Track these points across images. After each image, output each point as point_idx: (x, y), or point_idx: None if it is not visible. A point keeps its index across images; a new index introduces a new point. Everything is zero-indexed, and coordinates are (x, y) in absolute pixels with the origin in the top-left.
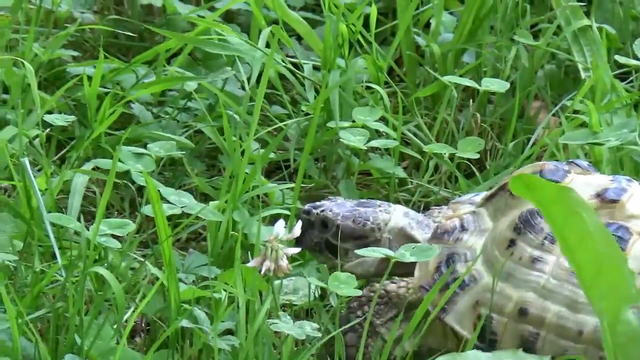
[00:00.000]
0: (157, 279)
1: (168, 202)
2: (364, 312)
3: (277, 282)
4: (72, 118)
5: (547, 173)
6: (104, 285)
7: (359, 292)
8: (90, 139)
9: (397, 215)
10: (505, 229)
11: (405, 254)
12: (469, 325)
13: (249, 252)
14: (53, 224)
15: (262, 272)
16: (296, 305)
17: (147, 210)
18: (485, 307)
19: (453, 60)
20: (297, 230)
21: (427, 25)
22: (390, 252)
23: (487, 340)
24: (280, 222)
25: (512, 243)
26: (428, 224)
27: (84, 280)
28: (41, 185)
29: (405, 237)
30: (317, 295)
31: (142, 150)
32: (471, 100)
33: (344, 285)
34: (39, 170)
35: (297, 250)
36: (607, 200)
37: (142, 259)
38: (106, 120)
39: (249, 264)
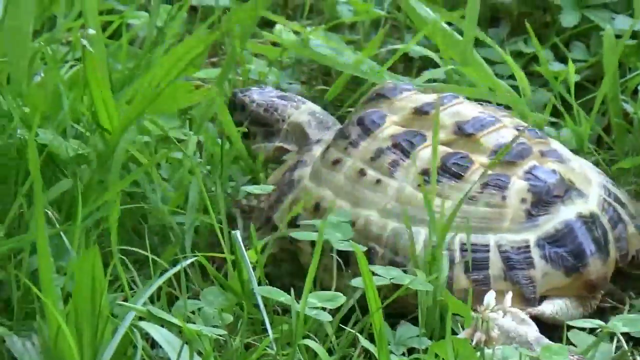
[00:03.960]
0: (368, 351)
1: (376, 274)
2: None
3: (488, 352)
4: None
5: (385, 91)
6: (316, 359)
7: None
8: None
9: (300, 112)
10: (331, 138)
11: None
12: (287, 224)
13: (458, 323)
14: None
15: (474, 343)
16: None
17: (356, 282)
18: (298, 204)
19: None
20: (508, 301)
21: (635, 92)
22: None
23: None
24: (491, 293)
25: (327, 148)
26: (329, 128)
27: (295, 353)
28: (252, 258)
29: (301, 133)
30: None
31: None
32: None
33: (555, 356)
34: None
35: (510, 322)
36: (419, 112)
37: (353, 331)
38: None
39: (459, 335)
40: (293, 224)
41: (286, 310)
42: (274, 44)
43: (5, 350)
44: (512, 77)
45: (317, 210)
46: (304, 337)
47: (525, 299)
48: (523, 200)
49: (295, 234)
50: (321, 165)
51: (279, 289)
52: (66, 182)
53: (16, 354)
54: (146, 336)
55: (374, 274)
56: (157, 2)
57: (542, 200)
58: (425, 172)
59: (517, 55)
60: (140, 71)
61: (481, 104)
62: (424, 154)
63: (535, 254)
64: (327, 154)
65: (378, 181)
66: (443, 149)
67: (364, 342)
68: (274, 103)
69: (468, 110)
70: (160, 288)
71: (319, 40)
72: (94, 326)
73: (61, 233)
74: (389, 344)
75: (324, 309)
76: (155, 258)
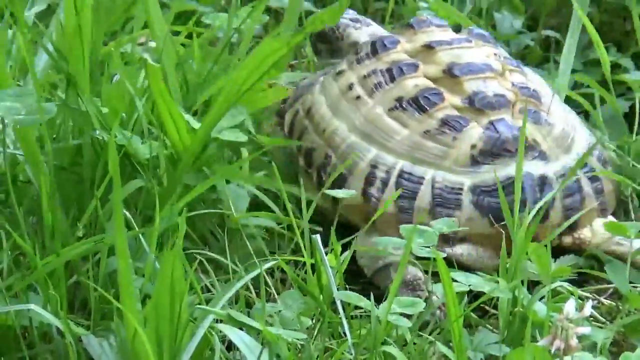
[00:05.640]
0: (447, 357)
1: (455, 280)
2: None
3: None
4: None
5: (414, 22)
6: None
7: None
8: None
9: (360, 32)
10: None
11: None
12: (289, 122)
13: (537, 330)
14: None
15: (552, 352)
16: None
17: (437, 288)
18: (302, 108)
19: None
20: (587, 310)
21: None
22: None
23: (290, 132)
24: (571, 301)
25: (339, 64)
26: None
27: (374, 359)
28: (331, 262)
29: (354, 52)
30: None
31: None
32: None
33: None
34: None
35: (588, 329)
36: (427, 46)
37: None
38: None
39: (539, 343)
40: (294, 131)
41: (363, 314)
42: None
43: (83, 350)
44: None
45: (309, 113)
46: (382, 343)
47: (443, 237)
48: (473, 147)
49: (381, 239)
50: (330, 74)
51: (358, 294)
52: (139, 181)
53: (93, 354)
54: (223, 339)
55: (454, 280)
56: (235, 3)
57: (490, 150)
58: (399, 99)
59: (597, 63)
60: (217, 72)
61: (498, 54)
62: (407, 83)
63: (466, 197)
64: (338, 66)
65: (358, 97)
66: (424, 83)
67: (442, 348)
68: (340, 22)
69: (469, 55)
70: (237, 291)
71: None
72: (173, 329)
73: (139, 235)
74: (467, 350)
75: (403, 314)
76: (232, 265)
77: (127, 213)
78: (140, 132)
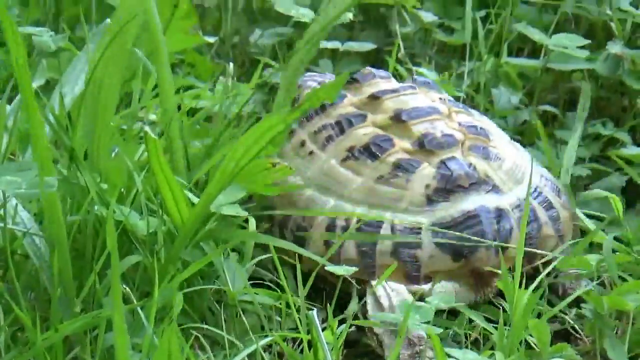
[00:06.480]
0: None
1: (450, 356)
2: None
3: None
4: None
5: (359, 75)
6: None
7: None
8: None
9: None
10: None
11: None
12: None
13: None
14: None
15: None
16: None
17: None
18: None
19: None
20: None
21: None
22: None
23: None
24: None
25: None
26: None
27: None
28: (328, 338)
29: None
30: None
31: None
32: None
33: None
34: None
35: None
36: (373, 97)
37: None
38: None
39: None
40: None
41: None
42: None
43: None
44: (590, 159)
45: None
46: None
47: (408, 277)
48: (427, 186)
49: (376, 315)
50: (301, 126)
51: None
52: (136, 257)
53: None
54: None
55: (449, 356)
56: (234, 83)
57: (444, 187)
58: (351, 149)
59: (595, 138)
60: (215, 149)
61: (443, 99)
62: (357, 133)
63: (425, 236)
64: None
65: (311, 152)
66: (373, 131)
67: None
68: (304, 82)
69: (415, 100)
70: None
71: None
72: None
73: (138, 309)
74: None
75: None
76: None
77: (125, 287)
78: (139, 207)
